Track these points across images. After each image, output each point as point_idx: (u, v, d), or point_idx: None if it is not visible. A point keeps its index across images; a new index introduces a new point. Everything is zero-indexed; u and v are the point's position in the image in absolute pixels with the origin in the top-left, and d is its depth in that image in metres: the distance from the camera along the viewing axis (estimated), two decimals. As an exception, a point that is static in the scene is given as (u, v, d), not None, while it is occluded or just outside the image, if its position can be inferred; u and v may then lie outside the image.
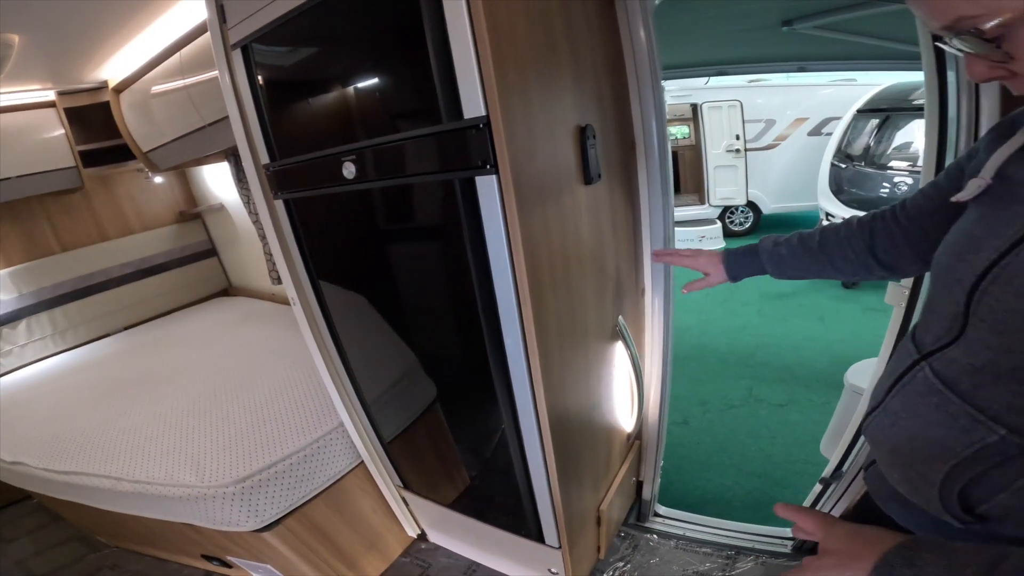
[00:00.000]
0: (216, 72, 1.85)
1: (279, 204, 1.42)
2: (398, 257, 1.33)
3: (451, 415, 1.61)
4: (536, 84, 1.01)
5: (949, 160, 1.27)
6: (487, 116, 0.89)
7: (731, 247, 1.14)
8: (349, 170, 1.12)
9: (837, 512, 1.66)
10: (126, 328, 3.45)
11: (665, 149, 1.49)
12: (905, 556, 0.49)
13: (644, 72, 1.40)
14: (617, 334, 1.58)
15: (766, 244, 1.04)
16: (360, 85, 1.13)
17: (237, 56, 1.28)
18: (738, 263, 1.10)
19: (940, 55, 1.25)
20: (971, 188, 0.62)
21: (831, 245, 0.93)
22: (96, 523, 2.25)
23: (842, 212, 4.81)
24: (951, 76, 1.20)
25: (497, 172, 0.93)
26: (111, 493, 1.72)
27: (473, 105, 0.90)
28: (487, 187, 0.96)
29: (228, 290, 3.99)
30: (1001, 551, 0.45)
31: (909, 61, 2.30)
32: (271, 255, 2.69)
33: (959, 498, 0.59)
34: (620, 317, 1.58)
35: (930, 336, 0.64)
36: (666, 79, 1.47)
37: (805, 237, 0.98)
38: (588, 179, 1.21)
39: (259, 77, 1.27)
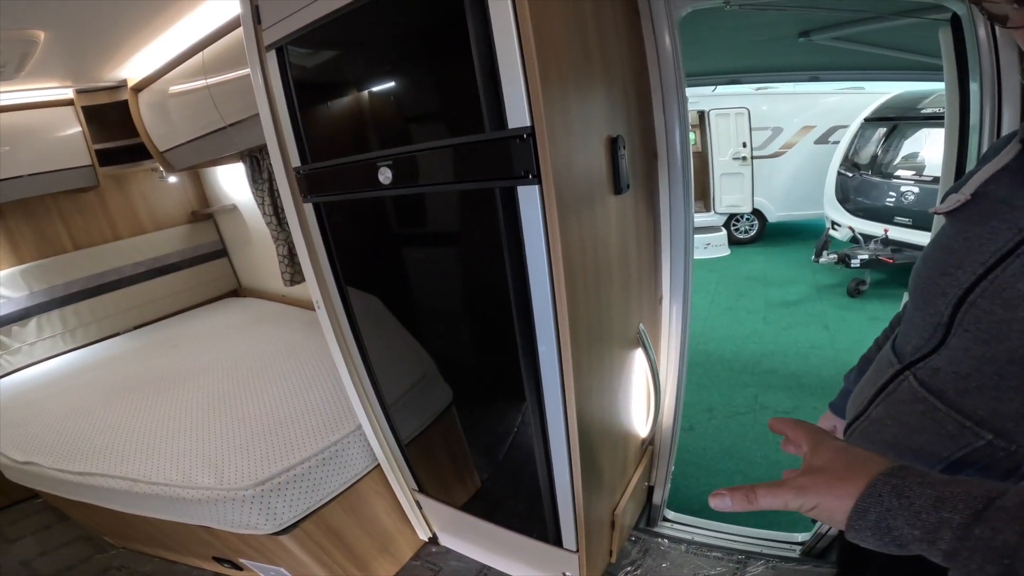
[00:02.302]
0: (240, 72, 1.87)
1: (308, 207, 1.42)
2: (429, 263, 1.33)
3: (470, 418, 1.62)
4: (575, 95, 1.02)
5: (969, 167, 1.28)
6: (532, 127, 0.90)
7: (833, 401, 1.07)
8: (385, 175, 1.12)
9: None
10: (136, 327, 3.45)
11: (687, 158, 1.51)
12: (894, 485, 0.46)
13: (669, 82, 1.42)
14: (637, 341, 1.60)
15: (850, 379, 1.00)
16: (398, 91, 1.13)
17: (271, 57, 1.27)
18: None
19: (963, 64, 1.27)
20: (949, 202, 0.64)
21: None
22: (105, 524, 2.23)
23: (848, 221, 4.82)
24: (974, 86, 1.22)
25: (540, 182, 0.94)
26: (127, 495, 1.71)
27: (518, 115, 0.91)
28: (529, 197, 0.97)
29: (238, 291, 3.99)
30: (994, 487, 0.43)
31: (926, 72, 2.31)
32: (285, 257, 2.70)
33: None
34: (641, 324, 1.59)
35: (910, 347, 0.66)
36: (683, 87, 1.49)
37: (868, 356, 0.96)
38: (618, 189, 1.22)
39: (293, 79, 1.27)
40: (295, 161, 1.37)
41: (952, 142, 1.36)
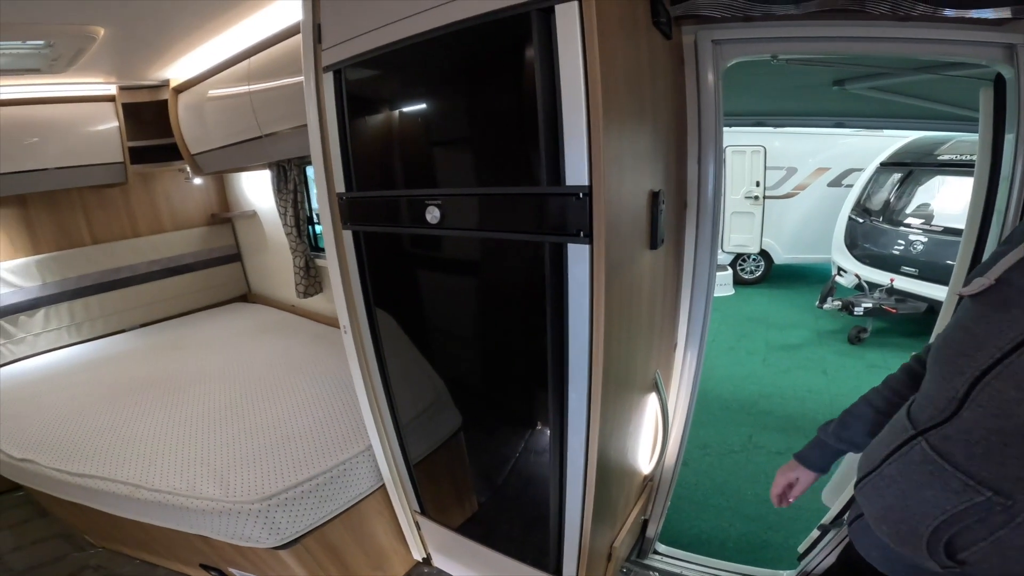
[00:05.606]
0: (284, 82, 1.87)
1: (347, 234, 1.41)
2: (463, 301, 1.33)
3: (477, 443, 1.62)
4: (629, 151, 1.03)
5: (996, 217, 1.31)
6: (590, 186, 0.90)
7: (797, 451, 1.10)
8: (433, 215, 1.12)
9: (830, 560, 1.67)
10: (141, 326, 3.43)
11: (719, 212, 1.51)
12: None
13: (708, 133, 1.42)
14: (653, 385, 1.60)
15: (828, 432, 1.04)
16: (456, 132, 1.13)
17: (327, 79, 1.25)
18: (818, 458, 1.07)
19: (1000, 116, 1.31)
20: (974, 286, 0.69)
21: (890, 397, 0.95)
22: (89, 523, 2.18)
23: (854, 268, 4.74)
24: (1009, 137, 1.24)
25: (591, 242, 0.94)
26: (128, 500, 1.68)
27: (577, 173, 0.90)
28: (579, 254, 0.96)
29: (247, 296, 3.99)
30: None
31: (955, 122, 2.33)
32: (301, 269, 2.71)
33: (944, 547, 0.68)
34: (658, 371, 1.60)
35: (925, 416, 0.73)
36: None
37: (853, 410, 1.01)
38: (654, 244, 1.22)
39: (347, 104, 1.24)
40: (340, 187, 1.35)
41: (980, 190, 1.39)
